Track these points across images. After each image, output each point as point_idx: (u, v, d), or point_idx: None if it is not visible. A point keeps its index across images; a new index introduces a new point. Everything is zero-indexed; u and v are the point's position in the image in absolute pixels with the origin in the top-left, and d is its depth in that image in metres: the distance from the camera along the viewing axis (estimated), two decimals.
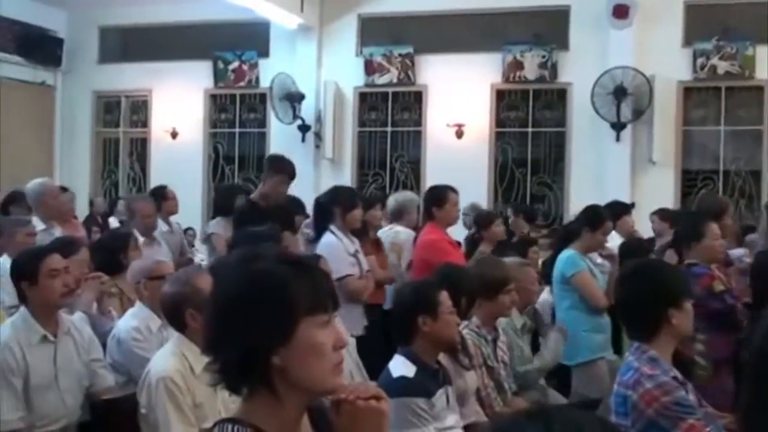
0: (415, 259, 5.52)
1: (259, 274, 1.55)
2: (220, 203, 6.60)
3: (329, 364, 1.55)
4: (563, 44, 10.40)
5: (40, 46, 11.91)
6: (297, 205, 6.16)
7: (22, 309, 3.37)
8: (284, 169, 5.62)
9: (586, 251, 5.22)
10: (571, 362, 5.00)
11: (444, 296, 3.27)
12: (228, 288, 1.58)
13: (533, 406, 3.25)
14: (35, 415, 3.22)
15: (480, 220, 6.48)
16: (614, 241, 6.33)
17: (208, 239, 6.15)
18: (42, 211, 5.89)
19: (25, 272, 3.35)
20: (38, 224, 5.71)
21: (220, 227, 5.92)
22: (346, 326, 4.32)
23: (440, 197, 5.45)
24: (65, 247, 4.21)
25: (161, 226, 6.55)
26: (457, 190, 5.57)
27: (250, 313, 1.51)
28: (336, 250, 5.00)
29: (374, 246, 5.73)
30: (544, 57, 10.46)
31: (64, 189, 7.17)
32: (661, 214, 7.88)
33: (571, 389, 4.98)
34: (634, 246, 5.81)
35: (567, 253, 5.14)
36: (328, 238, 5.10)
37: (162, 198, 6.88)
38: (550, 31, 10.52)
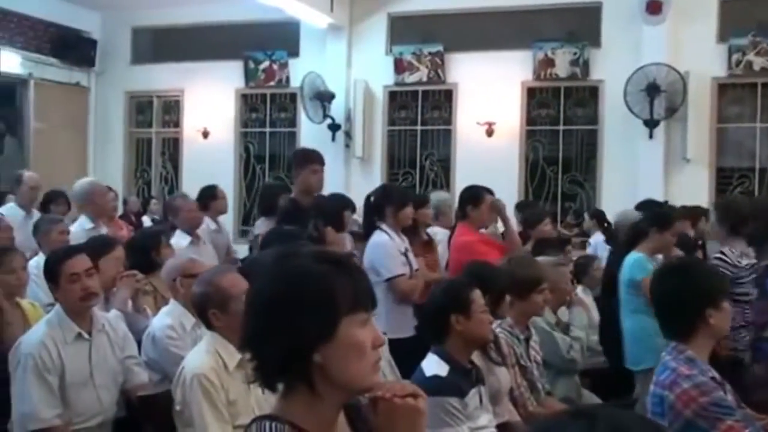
0: (451, 260, 5.45)
1: (301, 273, 1.55)
2: (264, 203, 6.54)
3: (368, 363, 1.55)
4: (595, 41, 10.30)
5: (75, 48, 12.06)
6: (344, 201, 6.15)
7: (57, 307, 3.41)
8: (309, 158, 5.55)
9: (654, 253, 4.99)
10: (637, 368, 4.82)
11: (477, 295, 3.25)
12: (268, 286, 1.58)
13: (575, 405, 3.22)
14: (72, 411, 3.25)
15: (529, 219, 6.36)
16: None
17: (255, 240, 6.12)
18: (89, 210, 5.93)
19: (48, 275, 3.39)
20: (86, 223, 5.77)
21: (264, 228, 5.88)
22: (397, 327, 4.33)
23: (476, 197, 5.39)
24: (100, 245, 4.25)
25: (209, 224, 6.58)
26: (493, 191, 5.51)
27: (292, 311, 1.51)
28: (387, 248, 4.94)
29: (425, 246, 5.64)
30: (575, 54, 10.38)
31: (108, 189, 7.27)
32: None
33: (635, 393, 4.81)
34: (682, 243, 5.66)
35: (634, 256, 4.95)
36: (378, 236, 5.03)
37: (211, 197, 6.89)
38: (582, 27, 10.44)
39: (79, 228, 5.76)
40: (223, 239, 6.85)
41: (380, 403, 1.56)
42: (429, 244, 5.75)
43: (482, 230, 5.63)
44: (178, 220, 6.09)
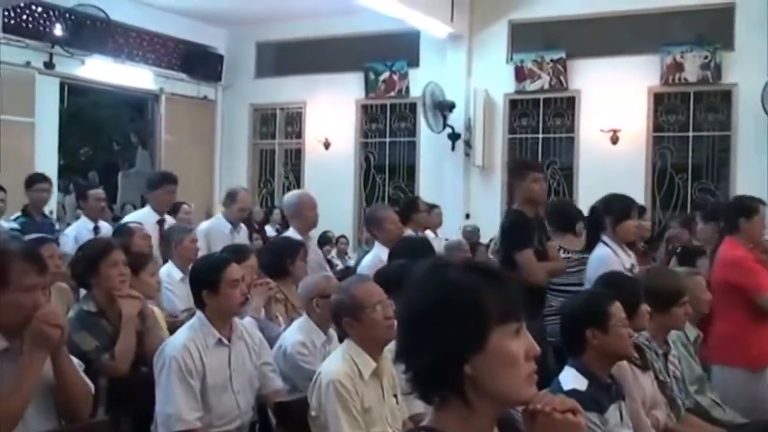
0: (714, 277, 4.83)
1: (449, 283, 1.54)
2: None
3: (522, 374, 1.51)
4: (728, 44, 9.88)
5: (203, 63, 12.56)
6: (574, 210, 6.04)
7: (199, 313, 3.49)
8: (529, 166, 5.35)
9: None
10: None
11: (616, 308, 3.13)
12: (417, 297, 1.57)
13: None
14: (212, 415, 3.33)
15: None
16: None
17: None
18: (298, 222, 5.91)
19: (206, 281, 3.46)
20: (294, 235, 5.76)
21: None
22: None
23: (750, 209, 4.85)
24: (236, 254, 4.36)
25: None
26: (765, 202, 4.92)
27: (441, 321, 1.50)
28: (607, 263, 4.65)
29: (642, 257, 5.42)
30: (706, 58, 9.99)
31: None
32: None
33: None
34: None
35: None
36: (601, 249, 4.80)
37: (414, 209, 6.78)
38: (714, 30, 10.03)
39: None
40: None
41: (539, 416, 1.52)
42: (646, 255, 5.50)
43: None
44: (379, 232, 5.82)
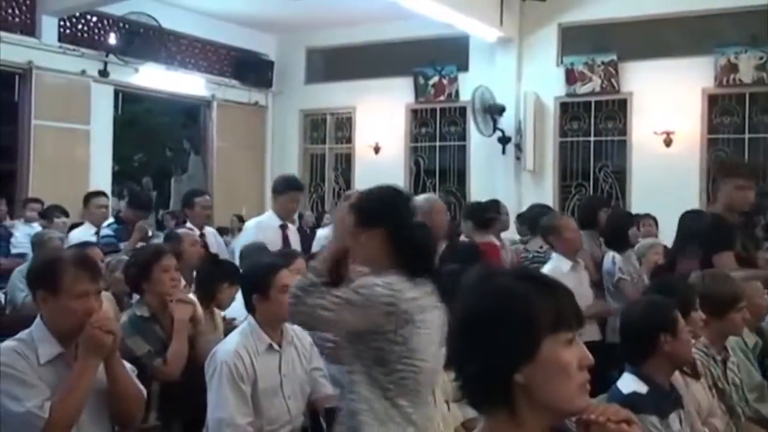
0: None
1: (501, 291, 1.52)
2: (584, 216, 6.12)
3: (575, 384, 1.49)
4: None
5: (254, 70, 12.69)
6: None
7: (250, 318, 3.51)
8: (734, 171, 4.94)
9: None
10: None
11: (679, 315, 3.08)
12: (469, 304, 1.56)
13: None
14: (263, 420, 3.34)
15: None
16: None
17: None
18: None
19: (257, 286, 3.47)
20: None
21: (585, 242, 5.58)
22: None
23: None
24: (282, 258, 4.38)
25: None
26: None
27: (492, 329, 1.48)
28: None
29: None
30: (761, 58, 9.77)
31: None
32: None
33: None
34: None
35: None
36: None
37: (496, 213, 6.57)
38: None
39: None
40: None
41: (593, 427, 1.50)
42: None
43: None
44: (558, 241, 5.46)
